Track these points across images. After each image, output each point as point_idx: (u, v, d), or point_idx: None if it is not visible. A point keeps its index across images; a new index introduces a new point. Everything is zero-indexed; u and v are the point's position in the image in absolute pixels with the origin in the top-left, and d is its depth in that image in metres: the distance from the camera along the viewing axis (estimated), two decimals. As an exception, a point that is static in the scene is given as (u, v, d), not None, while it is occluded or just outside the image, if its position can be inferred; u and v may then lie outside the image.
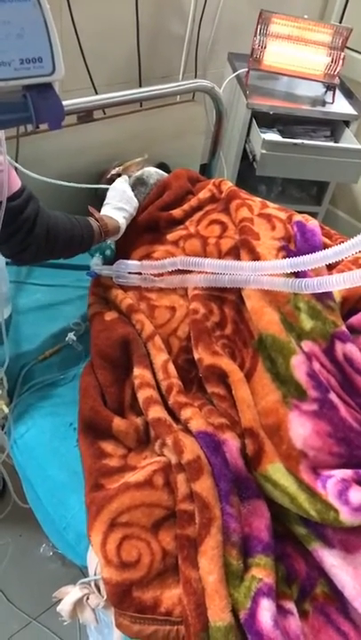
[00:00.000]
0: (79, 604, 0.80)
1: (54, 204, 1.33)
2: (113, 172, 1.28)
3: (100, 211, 1.12)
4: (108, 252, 1.15)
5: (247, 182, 1.85)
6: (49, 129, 0.58)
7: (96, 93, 1.55)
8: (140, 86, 1.69)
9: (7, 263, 1.10)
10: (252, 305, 0.92)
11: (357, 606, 0.71)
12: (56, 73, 0.56)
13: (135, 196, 1.23)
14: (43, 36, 0.54)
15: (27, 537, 1.39)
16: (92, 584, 0.79)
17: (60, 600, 0.81)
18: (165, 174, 1.27)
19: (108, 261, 1.13)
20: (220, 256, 1.04)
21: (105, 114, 1.41)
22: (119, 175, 1.26)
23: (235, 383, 0.88)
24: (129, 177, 1.24)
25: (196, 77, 1.82)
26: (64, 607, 0.80)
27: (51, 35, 0.54)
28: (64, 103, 1.18)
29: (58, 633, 1.26)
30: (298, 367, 0.84)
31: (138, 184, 1.23)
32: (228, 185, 1.18)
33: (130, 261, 1.08)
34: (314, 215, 1.10)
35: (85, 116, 1.30)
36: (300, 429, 0.80)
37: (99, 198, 1.33)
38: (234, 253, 1.02)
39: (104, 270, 1.10)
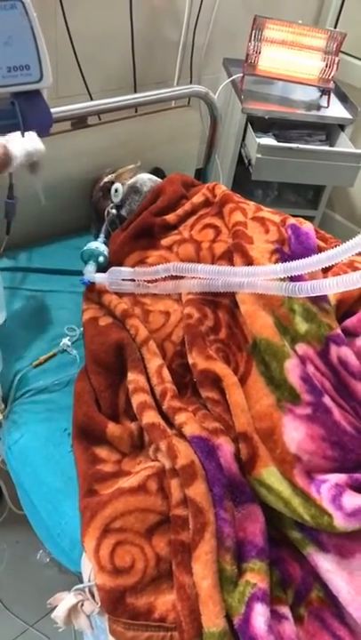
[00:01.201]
0: (74, 610, 0.79)
1: (48, 210, 1.34)
2: (106, 179, 1.28)
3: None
4: (101, 259, 1.15)
5: (243, 187, 1.86)
6: (38, 136, 0.58)
7: (91, 99, 1.56)
8: (135, 92, 1.69)
9: (1, 269, 1.10)
10: (245, 309, 0.92)
11: (352, 611, 0.71)
12: (44, 80, 0.57)
13: (129, 204, 1.23)
14: (30, 44, 0.54)
15: (23, 543, 1.39)
16: (87, 590, 0.78)
17: (56, 607, 0.81)
18: (159, 180, 1.27)
19: (102, 268, 1.13)
20: (214, 260, 1.04)
21: (100, 120, 1.41)
22: (112, 183, 1.26)
23: (229, 387, 0.87)
24: (122, 185, 1.24)
25: (191, 83, 1.83)
26: (59, 614, 0.79)
27: (38, 42, 0.54)
28: (58, 109, 1.21)
29: (55, 639, 1.26)
30: (292, 371, 0.84)
31: (131, 192, 1.24)
32: (222, 189, 1.18)
33: (123, 268, 1.08)
34: (311, 219, 1.10)
35: (79, 122, 1.30)
36: (294, 433, 0.80)
37: (93, 204, 1.34)
38: (227, 257, 1.02)
39: (97, 278, 1.10)
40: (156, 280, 1.04)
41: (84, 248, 1.16)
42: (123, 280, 1.07)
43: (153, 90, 1.40)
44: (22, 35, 0.53)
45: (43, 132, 0.60)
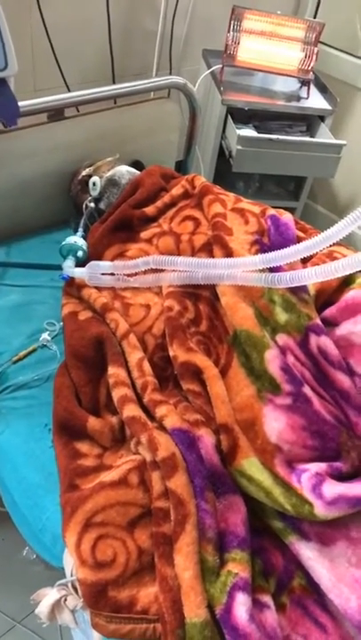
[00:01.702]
0: (57, 605, 0.79)
1: (26, 204, 1.33)
2: (84, 172, 1.27)
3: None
4: (80, 254, 1.14)
5: (225, 179, 1.85)
6: (4, 126, 0.57)
7: (69, 92, 1.54)
8: (114, 84, 1.68)
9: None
10: (226, 301, 0.92)
11: (333, 598, 0.71)
12: (9, 68, 0.55)
13: (107, 197, 1.22)
14: (-7, 31, 0.53)
15: (9, 541, 1.38)
16: (70, 585, 0.78)
17: (39, 602, 0.80)
18: (138, 172, 1.26)
19: (81, 263, 1.12)
20: (194, 252, 1.03)
21: (78, 112, 1.40)
22: (90, 176, 1.25)
23: (209, 379, 0.87)
24: (100, 177, 1.23)
25: (170, 74, 1.82)
26: (42, 609, 0.79)
27: (2, 30, 0.53)
28: (34, 101, 1.19)
29: (42, 635, 1.25)
30: (272, 361, 0.84)
31: (110, 185, 1.23)
32: (201, 180, 1.17)
33: (102, 262, 1.07)
34: (292, 211, 1.10)
35: (56, 114, 1.29)
36: (275, 423, 0.80)
37: (72, 198, 1.32)
38: (207, 249, 1.02)
39: (77, 272, 1.09)
40: (136, 274, 1.04)
41: (63, 243, 1.15)
42: (102, 274, 1.06)
43: (132, 82, 1.39)
44: (-16, 22, 0.52)
45: (10, 122, 0.58)
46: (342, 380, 0.85)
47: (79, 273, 1.08)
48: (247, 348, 0.87)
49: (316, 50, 1.72)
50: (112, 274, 1.05)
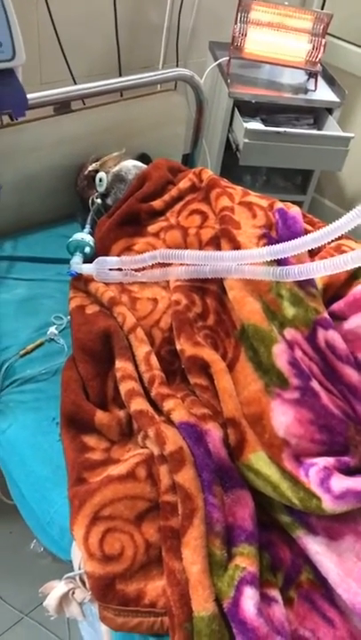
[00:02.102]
0: (65, 598, 0.79)
1: (33, 198, 1.32)
2: (90, 167, 1.26)
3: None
4: (87, 250, 1.14)
5: (232, 172, 1.84)
6: (11, 119, 0.57)
7: (75, 85, 1.53)
8: (120, 77, 1.67)
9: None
10: (234, 295, 0.91)
11: (341, 592, 0.71)
12: (17, 58, 0.55)
13: (114, 193, 1.22)
14: (1, 21, 0.52)
15: (17, 534, 1.39)
16: (77, 578, 0.78)
17: (47, 595, 0.81)
18: (144, 166, 1.25)
19: (89, 259, 1.11)
20: (201, 246, 1.03)
21: (85, 105, 1.39)
22: (97, 171, 1.24)
23: (217, 373, 0.87)
24: (106, 173, 1.22)
25: (177, 67, 1.81)
26: (50, 602, 0.79)
27: (10, 19, 0.53)
28: (41, 94, 1.19)
29: (50, 628, 1.26)
30: (279, 356, 0.84)
31: (116, 181, 1.22)
32: (209, 174, 1.16)
33: (109, 258, 1.06)
34: (299, 204, 1.09)
35: (62, 107, 1.28)
36: (282, 418, 0.80)
37: (78, 193, 1.32)
38: (214, 243, 1.01)
39: (84, 269, 1.08)
40: (143, 268, 1.03)
41: (70, 239, 1.15)
42: (110, 270, 1.06)
43: (138, 74, 1.38)
44: (-8, 12, 0.51)
45: (18, 112, 0.58)
46: (350, 374, 0.84)
47: (87, 269, 1.08)
48: (255, 342, 0.86)
49: (323, 41, 1.70)
50: (119, 269, 1.05)
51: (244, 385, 0.85)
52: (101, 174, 1.22)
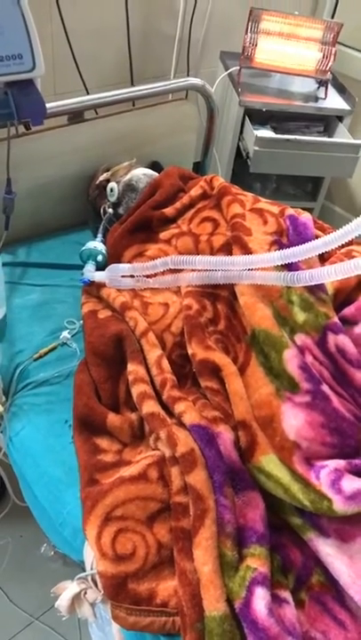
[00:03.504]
0: (77, 599, 0.80)
1: (46, 205, 1.35)
2: (101, 177, 1.28)
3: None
4: (100, 258, 1.15)
5: (242, 180, 1.86)
6: (26, 128, 0.58)
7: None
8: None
9: (2, 264, 1.11)
10: (245, 300, 0.92)
11: (353, 594, 0.71)
12: (37, 69, 0.57)
13: (126, 202, 1.23)
14: (22, 33, 0.54)
15: (27, 537, 1.40)
16: (90, 579, 0.79)
17: (59, 596, 0.81)
18: (155, 174, 1.27)
19: (101, 267, 1.13)
20: (212, 253, 1.04)
21: (97, 114, 1.41)
22: (108, 181, 1.26)
23: (228, 377, 0.88)
24: (117, 183, 1.24)
25: (188, 77, 1.83)
26: (62, 602, 0.80)
27: (30, 31, 0.55)
28: (55, 104, 1.21)
29: (60, 632, 1.26)
30: (290, 361, 0.84)
31: (128, 190, 1.24)
32: (220, 181, 1.18)
33: (121, 265, 1.08)
34: (310, 211, 1.10)
35: (76, 116, 1.30)
36: (293, 421, 0.80)
37: (90, 202, 1.34)
38: (226, 250, 1.02)
39: (97, 276, 1.10)
40: (155, 274, 1.04)
41: (83, 248, 1.17)
42: (122, 277, 1.07)
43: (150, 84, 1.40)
44: (14, 24, 0.53)
45: (36, 122, 0.60)
46: (361, 378, 0.85)
47: (99, 277, 1.10)
48: (266, 347, 0.87)
49: (334, 50, 1.72)
50: (132, 276, 1.07)
51: (255, 388, 0.86)
52: (112, 184, 1.23)
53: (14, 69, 0.56)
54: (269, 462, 0.80)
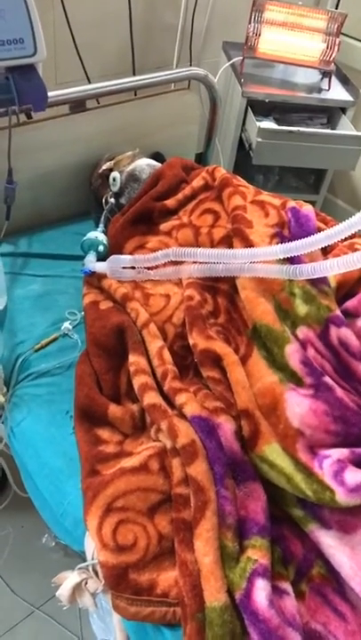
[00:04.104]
0: (78, 588, 0.80)
1: (47, 195, 1.34)
2: (104, 167, 1.27)
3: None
4: (101, 249, 1.15)
5: (244, 172, 1.83)
6: (27, 117, 0.58)
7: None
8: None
9: (2, 254, 1.10)
10: (246, 295, 0.92)
11: (354, 586, 0.71)
12: (38, 54, 0.56)
13: (128, 192, 1.22)
14: (24, 18, 0.54)
15: (29, 528, 1.40)
16: (90, 569, 0.79)
17: (60, 585, 0.82)
18: (158, 165, 1.26)
19: (102, 257, 1.13)
20: (213, 245, 1.03)
21: (99, 104, 1.40)
22: (111, 170, 1.25)
23: (229, 366, 0.88)
24: (120, 172, 1.23)
25: (190, 67, 1.81)
26: (63, 592, 0.80)
27: (32, 16, 0.54)
28: (57, 92, 1.20)
29: (61, 622, 1.27)
30: (292, 355, 0.84)
31: (130, 180, 1.23)
32: (222, 172, 1.17)
33: (123, 256, 1.07)
34: (312, 204, 1.09)
35: (77, 105, 1.29)
36: (297, 408, 0.80)
37: (92, 192, 1.33)
38: (226, 242, 1.02)
39: (98, 267, 1.10)
40: (156, 266, 1.04)
41: (84, 238, 1.16)
42: (123, 268, 1.07)
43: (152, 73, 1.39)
44: (15, 8, 0.52)
45: (38, 107, 0.59)
46: (363, 370, 0.85)
47: (100, 267, 1.09)
48: (268, 342, 0.87)
49: (337, 41, 1.70)
50: (133, 267, 1.06)
51: (257, 377, 0.86)
52: (115, 174, 1.23)
53: (15, 54, 0.55)
54: (273, 451, 0.80)
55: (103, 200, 1.26)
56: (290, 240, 0.96)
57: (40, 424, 0.95)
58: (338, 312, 0.90)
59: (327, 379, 0.82)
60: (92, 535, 0.76)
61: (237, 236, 0.98)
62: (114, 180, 1.23)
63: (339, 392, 0.81)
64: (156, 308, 1.01)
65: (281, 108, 1.80)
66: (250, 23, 1.68)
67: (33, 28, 0.54)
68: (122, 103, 1.39)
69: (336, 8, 2.00)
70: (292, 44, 1.72)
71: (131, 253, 1.11)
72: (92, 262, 1.12)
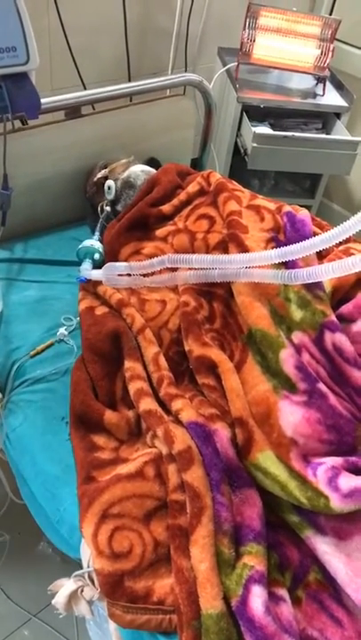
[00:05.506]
0: (74, 596, 0.80)
1: (43, 201, 1.34)
2: (99, 175, 1.27)
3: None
4: (97, 257, 1.15)
5: (240, 177, 1.84)
6: (22, 123, 0.58)
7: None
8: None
9: (-1, 260, 1.10)
10: (242, 300, 0.92)
11: (350, 592, 0.71)
12: (30, 62, 0.56)
13: (124, 199, 1.23)
14: (16, 26, 0.54)
15: (25, 535, 1.40)
16: (86, 576, 0.79)
17: (56, 593, 0.81)
18: (153, 171, 1.26)
19: (98, 265, 1.13)
20: (208, 251, 1.03)
21: (95, 110, 1.41)
22: (106, 178, 1.25)
23: (224, 373, 0.88)
24: (115, 180, 1.23)
25: (186, 73, 1.82)
26: (59, 600, 0.80)
27: (24, 24, 0.54)
28: (52, 99, 1.20)
29: (57, 629, 1.26)
30: (286, 360, 0.84)
31: (126, 187, 1.23)
32: (217, 177, 1.17)
33: (118, 264, 1.07)
34: (308, 209, 1.09)
35: (73, 112, 1.30)
36: (291, 417, 0.80)
37: (88, 199, 1.33)
38: (222, 248, 1.02)
39: (94, 275, 1.09)
40: (152, 273, 1.04)
41: (80, 246, 1.16)
42: (119, 275, 1.07)
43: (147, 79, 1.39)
44: (8, 16, 0.52)
45: (31, 115, 0.59)
46: (358, 376, 0.85)
47: (96, 275, 1.09)
48: (262, 347, 0.87)
49: (332, 47, 1.71)
50: (128, 274, 1.06)
51: (251, 385, 0.86)
52: (110, 182, 1.22)
53: (8, 62, 0.55)
54: (266, 459, 0.80)
55: (99, 208, 1.26)
56: (285, 244, 0.96)
57: (36, 430, 0.95)
58: (333, 317, 0.90)
59: (321, 385, 0.82)
60: (88, 542, 0.75)
61: (233, 242, 0.98)
62: (109, 188, 1.23)
63: (332, 399, 0.81)
64: (151, 313, 1.01)
65: (276, 113, 1.81)
66: (244, 29, 1.69)
67: (25, 36, 0.54)
68: (117, 109, 1.40)
69: (330, 14, 2.01)
70: (287, 49, 1.73)
71: (127, 259, 1.10)
72: (87, 270, 1.12)
